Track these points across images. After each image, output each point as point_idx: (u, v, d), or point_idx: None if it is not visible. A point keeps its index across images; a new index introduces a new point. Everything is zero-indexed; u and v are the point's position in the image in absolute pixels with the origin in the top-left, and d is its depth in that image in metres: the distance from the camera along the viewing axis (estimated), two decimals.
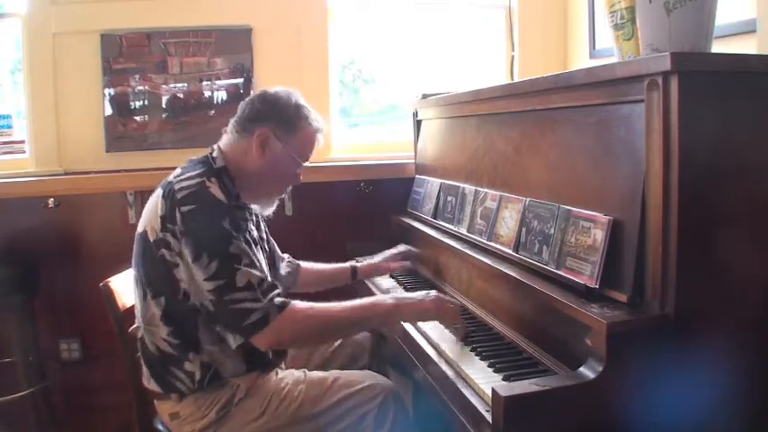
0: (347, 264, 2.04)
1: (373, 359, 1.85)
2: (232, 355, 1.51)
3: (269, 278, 1.48)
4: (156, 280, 1.49)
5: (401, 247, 2.13)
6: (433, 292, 1.55)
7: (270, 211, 1.74)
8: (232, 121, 1.65)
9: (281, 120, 1.60)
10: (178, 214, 1.44)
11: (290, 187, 1.74)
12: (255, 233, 1.71)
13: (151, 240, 1.48)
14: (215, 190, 1.48)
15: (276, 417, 1.52)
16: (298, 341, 1.56)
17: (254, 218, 1.74)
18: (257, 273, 1.45)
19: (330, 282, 2.04)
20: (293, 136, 1.62)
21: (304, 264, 2.02)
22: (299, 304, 1.46)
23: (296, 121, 1.62)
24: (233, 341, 1.45)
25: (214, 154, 1.62)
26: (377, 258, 2.09)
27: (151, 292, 1.50)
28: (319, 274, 2.03)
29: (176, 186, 1.47)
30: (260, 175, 1.61)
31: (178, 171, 1.56)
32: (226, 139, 1.64)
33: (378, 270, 2.06)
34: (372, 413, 1.52)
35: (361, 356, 1.85)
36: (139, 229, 1.54)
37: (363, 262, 2.07)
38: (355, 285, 2.08)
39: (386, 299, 1.55)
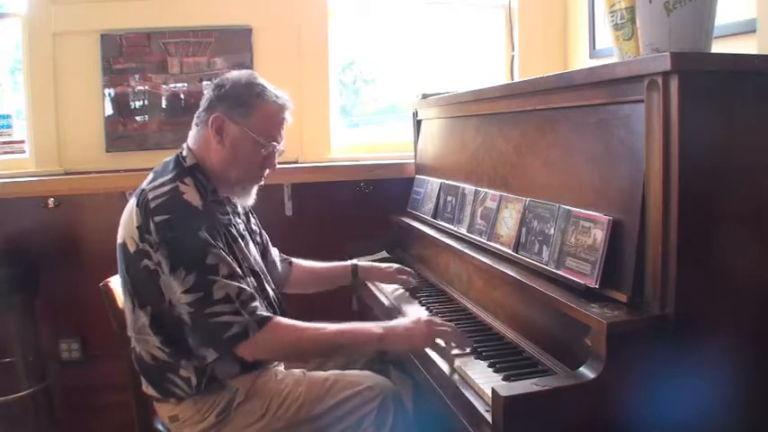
0: (348, 262, 2.00)
1: (374, 359, 1.85)
2: (223, 359, 1.49)
3: (248, 288, 1.45)
4: (141, 290, 1.48)
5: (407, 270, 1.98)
6: (425, 318, 1.49)
7: (249, 201, 1.67)
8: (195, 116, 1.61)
9: (233, 101, 1.53)
10: (152, 224, 1.41)
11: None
12: (242, 225, 1.68)
13: (131, 251, 1.46)
14: (189, 195, 1.46)
15: (276, 419, 1.51)
16: (276, 358, 1.58)
17: (239, 209, 1.70)
18: (235, 284, 1.42)
19: (329, 282, 1.99)
20: (249, 116, 1.53)
21: (297, 261, 1.98)
22: (282, 321, 1.46)
23: (248, 100, 1.53)
24: (209, 355, 1.44)
25: (183, 153, 1.58)
26: (382, 264, 2.02)
27: (138, 302, 1.49)
28: (316, 273, 1.98)
29: (150, 195, 1.45)
30: (225, 162, 1.55)
31: (150, 176, 1.53)
32: (190, 135, 1.61)
33: (380, 274, 1.98)
34: (372, 414, 1.51)
35: (362, 357, 1.84)
36: (119, 239, 1.52)
37: (366, 263, 2.02)
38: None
39: (373, 327, 1.49)
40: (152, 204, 1.43)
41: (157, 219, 1.42)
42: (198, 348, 1.45)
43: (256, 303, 1.45)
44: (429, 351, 1.47)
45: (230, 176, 1.58)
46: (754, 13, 1.65)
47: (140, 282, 1.47)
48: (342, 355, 1.68)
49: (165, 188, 1.46)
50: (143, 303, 1.48)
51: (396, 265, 2.00)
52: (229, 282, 1.42)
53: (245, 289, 1.44)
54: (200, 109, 1.59)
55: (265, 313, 1.45)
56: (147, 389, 1.56)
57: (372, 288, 2.03)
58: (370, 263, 2.04)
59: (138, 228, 1.44)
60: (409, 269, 1.98)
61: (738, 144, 1.12)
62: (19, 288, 2.35)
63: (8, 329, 2.36)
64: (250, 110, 1.53)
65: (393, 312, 1.79)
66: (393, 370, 1.87)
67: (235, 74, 1.59)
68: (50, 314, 2.48)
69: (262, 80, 1.58)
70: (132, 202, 1.49)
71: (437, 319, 1.50)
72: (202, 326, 1.41)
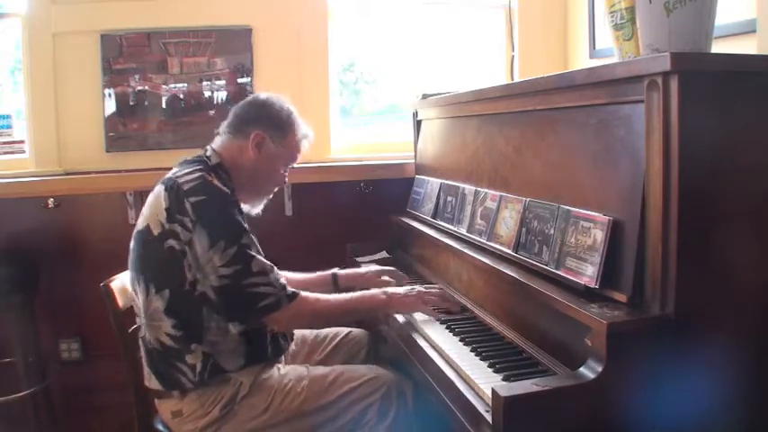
0: (328, 271, 2.00)
1: (370, 355, 1.88)
2: (231, 349, 1.53)
3: (275, 268, 1.56)
4: (161, 273, 1.52)
5: (389, 268, 2.02)
6: (418, 287, 1.73)
7: (257, 210, 1.80)
8: (225, 124, 1.74)
9: (274, 124, 1.71)
10: (188, 205, 1.49)
11: (280, 188, 1.84)
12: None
13: (155, 234, 1.51)
14: (218, 183, 1.56)
15: (280, 412, 1.54)
16: (303, 327, 1.82)
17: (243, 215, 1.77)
18: (267, 261, 1.54)
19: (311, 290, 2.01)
20: (284, 140, 1.72)
21: (283, 273, 2.00)
22: (308, 296, 1.60)
23: (286, 127, 1.73)
24: (233, 327, 1.52)
25: (207, 153, 1.69)
26: (361, 270, 2.03)
27: (155, 287, 1.52)
28: (299, 283, 1.96)
29: (180, 180, 1.53)
30: (254, 171, 1.69)
31: (175, 169, 1.62)
32: (219, 141, 1.73)
33: (361, 280, 1.96)
34: (375, 405, 1.56)
35: (359, 353, 1.87)
36: (139, 226, 1.57)
37: (346, 270, 2.02)
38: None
39: (378, 293, 1.69)
40: (185, 187, 1.52)
41: (193, 199, 1.50)
42: (224, 322, 1.53)
43: (284, 280, 1.59)
44: (426, 347, 1.48)
45: (253, 185, 1.73)
46: (754, 13, 1.65)
47: (161, 264, 1.52)
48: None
49: (195, 175, 1.55)
50: (160, 287, 1.52)
51: (375, 267, 2.00)
52: (261, 258, 1.55)
53: (273, 267, 1.57)
54: (236, 120, 1.72)
55: (294, 289, 1.58)
56: (150, 382, 1.57)
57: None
58: (351, 270, 2.03)
59: (166, 209, 1.51)
60: (392, 268, 2.00)
61: (738, 144, 1.12)
62: (19, 288, 2.35)
63: (8, 329, 2.36)
64: (286, 135, 1.73)
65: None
66: (393, 371, 1.87)
67: (275, 98, 1.76)
68: (50, 314, 2.48)
69: (294, 109, 1.77)
70: (159, 188, 1.57)
71: (427, 291, 1.71)
72: (238, 296, 1.51)
